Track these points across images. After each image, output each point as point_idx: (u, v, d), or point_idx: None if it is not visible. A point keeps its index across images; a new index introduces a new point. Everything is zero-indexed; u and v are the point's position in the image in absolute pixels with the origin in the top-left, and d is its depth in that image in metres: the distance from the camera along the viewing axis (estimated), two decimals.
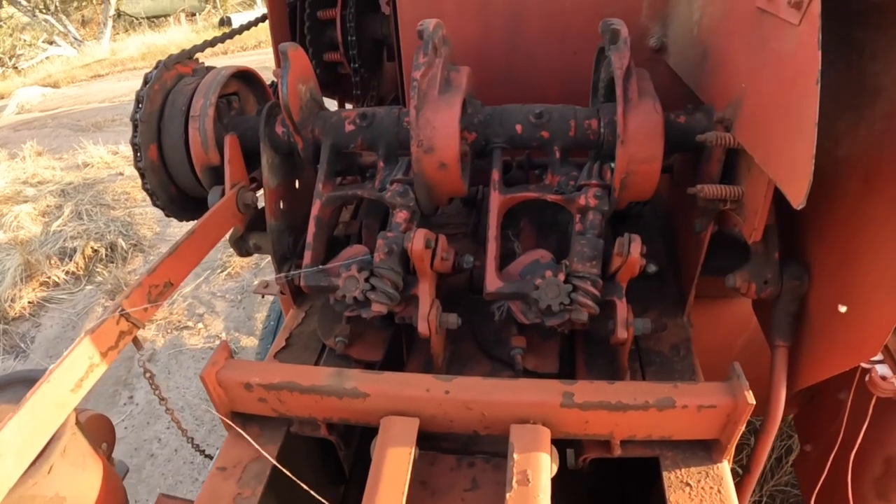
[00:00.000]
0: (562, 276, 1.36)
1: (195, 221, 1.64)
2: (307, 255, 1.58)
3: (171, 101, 1.85)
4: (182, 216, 2.03)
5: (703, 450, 1.33)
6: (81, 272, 5.94)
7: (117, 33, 22.33)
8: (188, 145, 1.79)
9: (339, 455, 1.56)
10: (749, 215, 1.30)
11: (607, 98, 1.57)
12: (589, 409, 1.24)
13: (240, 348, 4.74)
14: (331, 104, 2.11)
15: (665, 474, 1.29)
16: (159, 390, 1.50)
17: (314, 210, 1.62)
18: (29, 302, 5.55)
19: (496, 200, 1.51)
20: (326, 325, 1.68)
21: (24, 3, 19.86)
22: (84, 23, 23.86)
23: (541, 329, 1.50)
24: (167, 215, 2.02)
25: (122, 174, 8.14)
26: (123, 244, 6.24)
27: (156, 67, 1.87)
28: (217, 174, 1.80)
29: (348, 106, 3.02)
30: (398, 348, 1.79)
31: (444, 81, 1.50)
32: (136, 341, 1.41)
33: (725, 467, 1.30)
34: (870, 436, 1.48)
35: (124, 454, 3.86)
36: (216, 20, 21.68)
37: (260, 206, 1.82)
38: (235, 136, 1.76)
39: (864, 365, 1.50)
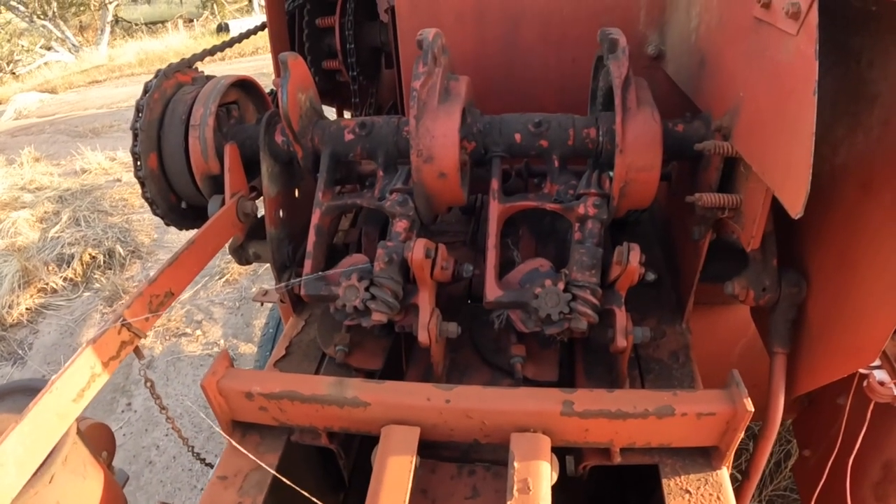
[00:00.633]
0: (561, 285, 1.37)
1: (196, 231, 1.64)
2: (307, 264, 1.59)
3: (170, 110, 1.85)
4: (182, 225, 2.03)
5: (703, 457, 1.33)
6: (79, 279, 5.93)
7: (115, 39, 22.39)
8: (188, 154, 1.79)
9: (339, 463, 1.56)
10: (747, 223, 1.31)
11: (606, 106, 1.58)
12: (589, 418, 1.25)
13: (238, 355, 4.73)
14: (329, 112, 2.12)
15: (664, 481, 1.30)
16: (160, 399, 1.50)
17: (314, 219, 1.62)
18: (27, 308, 5.54)
19: (495, 209, 1.51)
20: (326, 334, 1.69)
21: (22, 8, 19.87)
22: (82, 28, 23.88)
23: (540, 337, 1.50)
24: (167, 224, 2.02)
25: (119, 180, 8.12)
26: (121, 250, 6.23)
27: (155, 76, 1.87)
28: (217, 183, 1.80)
29: (347, 114, 3.03)
30: (398, 357, 1.79)
31: (443, 91, 1.50)
32: (137, 351, 1.41)
33: (725, 474, 1.31)
34: (868, 440, 1.49)
35: (123, 461, 3.84)
36: (214, 26, 21.73)
37: (260, 215, 1.82)
38: (235, 144, 1.76)
39: (862, 370, 1.51)
